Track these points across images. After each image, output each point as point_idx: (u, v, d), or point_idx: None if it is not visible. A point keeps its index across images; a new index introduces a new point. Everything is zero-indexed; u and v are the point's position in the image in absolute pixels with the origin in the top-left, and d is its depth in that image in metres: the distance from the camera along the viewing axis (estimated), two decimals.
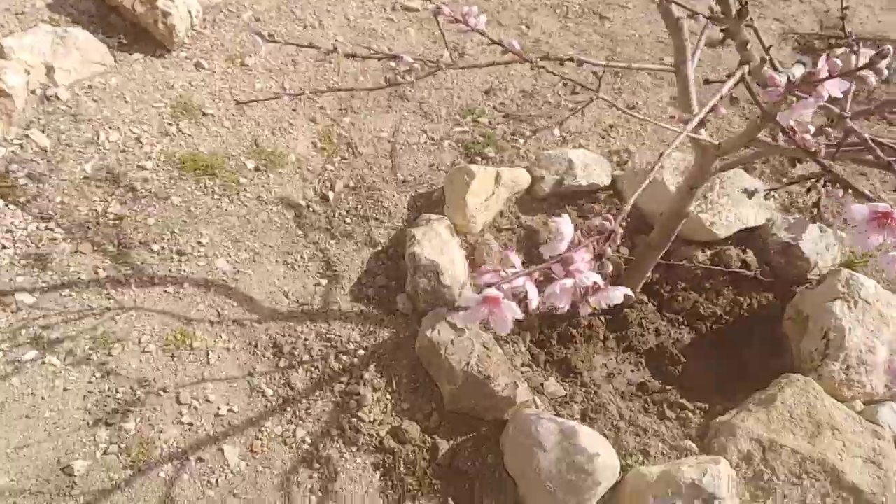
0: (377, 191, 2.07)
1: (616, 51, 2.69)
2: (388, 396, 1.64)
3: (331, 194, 2.05)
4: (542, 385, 1.72)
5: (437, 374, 1.66)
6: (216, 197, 1.97)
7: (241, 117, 2.19)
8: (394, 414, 1.62)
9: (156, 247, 1.83)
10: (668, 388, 1.79)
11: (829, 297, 1.73)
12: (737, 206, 1.99)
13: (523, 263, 0.76)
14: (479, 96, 2.42)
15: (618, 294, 0.76)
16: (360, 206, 2.03)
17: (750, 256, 1.96)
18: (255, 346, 1.70)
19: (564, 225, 0.72)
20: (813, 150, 0.91)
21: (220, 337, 1.70)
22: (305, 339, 1.72)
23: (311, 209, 2.01)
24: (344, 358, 1.69)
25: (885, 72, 0.79)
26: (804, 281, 1.93)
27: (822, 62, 0.77)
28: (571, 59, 1.40)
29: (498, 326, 0.71)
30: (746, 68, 1.10)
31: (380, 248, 1.94)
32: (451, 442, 1.58)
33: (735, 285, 1.95)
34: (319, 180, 2.09)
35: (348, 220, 2.00)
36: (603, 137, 2.32)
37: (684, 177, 1.59)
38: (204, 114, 2.16)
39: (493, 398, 1.59)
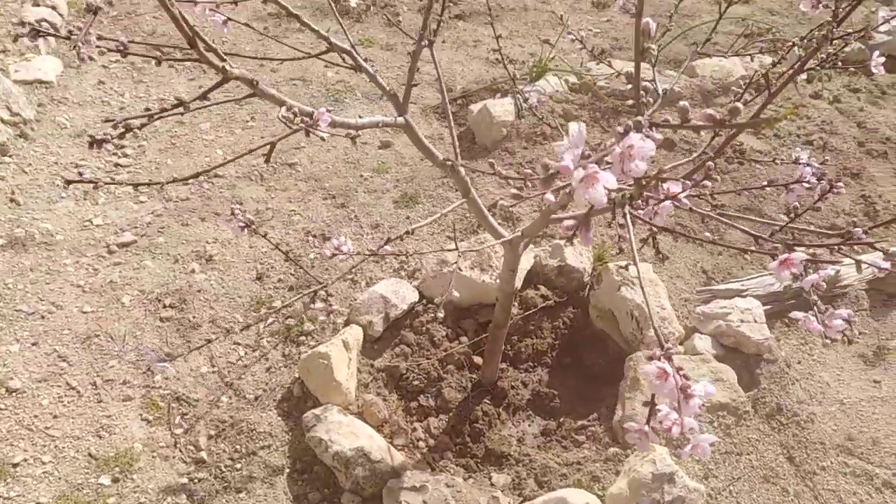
0: (241, 422, 2.06)
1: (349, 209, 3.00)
2: None
3: (203, 454, 1.99)
4: (491, 484, 1.96)
5: None
6: None
7: (56, 453, 1.97)
8: None
9: None
10: (560, 420, 2.18)
11: (614, 287, 2.28)
12: None
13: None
14: (254, 286, 2.51)
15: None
16: (238, 447, 2.01)
17: (542, 290, 2.45)
18: None
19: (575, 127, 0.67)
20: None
21: None
22: None
23: (196, 480, 1.93)
24: None
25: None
26: (584, 287, 2.48)
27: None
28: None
29: (596, 200, 0.67)
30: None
31: (288, 471, 1.96)
32: None
33: (546, 316, 2.41)
34: (181, 449, 2.01)
35: (238, 465, 1.97)
36: (378, 263, 2.61)
37: (503, 264, 1.97)
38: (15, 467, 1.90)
39: None
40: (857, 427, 2.01)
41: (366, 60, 1.59)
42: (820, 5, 1.32)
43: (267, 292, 2.50)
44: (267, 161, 1.30)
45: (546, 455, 2.05)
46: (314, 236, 2.76)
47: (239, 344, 2.31)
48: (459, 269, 2.32)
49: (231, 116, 3.44)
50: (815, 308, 1.12)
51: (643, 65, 1.21)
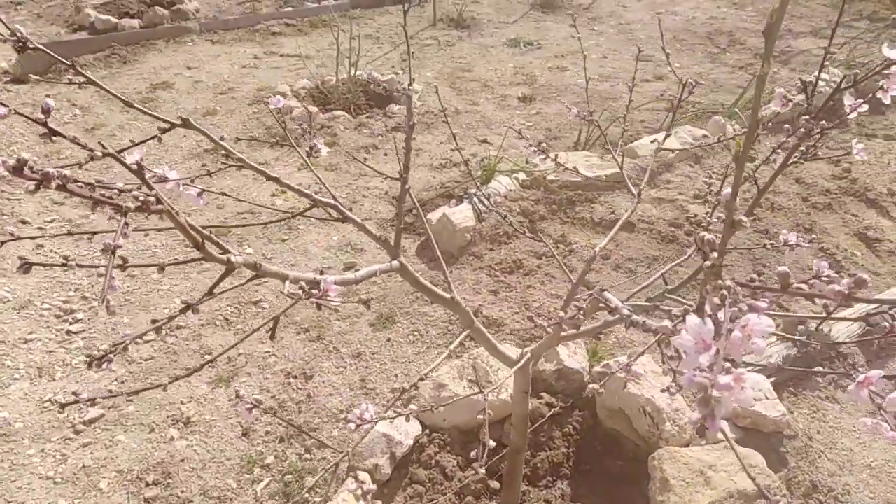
0: None
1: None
2: None
3: None
4: None
5: None
6: None
7: None
8: None
9: None
10: None
11: (620, 385, 2.23)
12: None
13: None
14: (241, 443, 2.34)
15: None
16: None
17: (546, 398, 2.37)
18: None
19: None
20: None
21: None
22: None
23: None
24: None
25: None
26: (584, 387, 2.42)
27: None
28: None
29: (747, 402, 0.68)
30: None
31: None
32: None
33: (555, 424, 2.33)
34: None
35: None
36: (372, 397, 2.49)
37: (514, 386, 1.89)
38: None
39: None
40: (892, 489, 1.98)
41: (315, 185, 1.54)
42: (790, 103, 1.37)
43: (256, 449, 2.32)
44: (272, 338, 1.21)
45: None
46: (294, 377, 2.62)
47: None
48: (456, 393, 2.23)
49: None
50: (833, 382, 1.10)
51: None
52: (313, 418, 2.42)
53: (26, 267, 0.92)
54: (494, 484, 2.19)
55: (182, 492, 2.17)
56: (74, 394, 1.05)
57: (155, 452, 2.31)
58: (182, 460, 2.28)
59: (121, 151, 0.99)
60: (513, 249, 3.18)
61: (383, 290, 3.08)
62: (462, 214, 3.19)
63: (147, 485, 2.20)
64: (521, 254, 3.12)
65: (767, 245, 2.31)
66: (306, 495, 2.14)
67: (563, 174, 3.45)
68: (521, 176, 3.50)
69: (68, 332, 2.86)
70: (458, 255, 3.20)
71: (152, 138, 1.19)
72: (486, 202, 3.30)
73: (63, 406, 1.02)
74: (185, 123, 1.22)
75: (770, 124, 3.63)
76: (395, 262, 1.58)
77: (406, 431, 2.21)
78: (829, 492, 1.95)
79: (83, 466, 2.26)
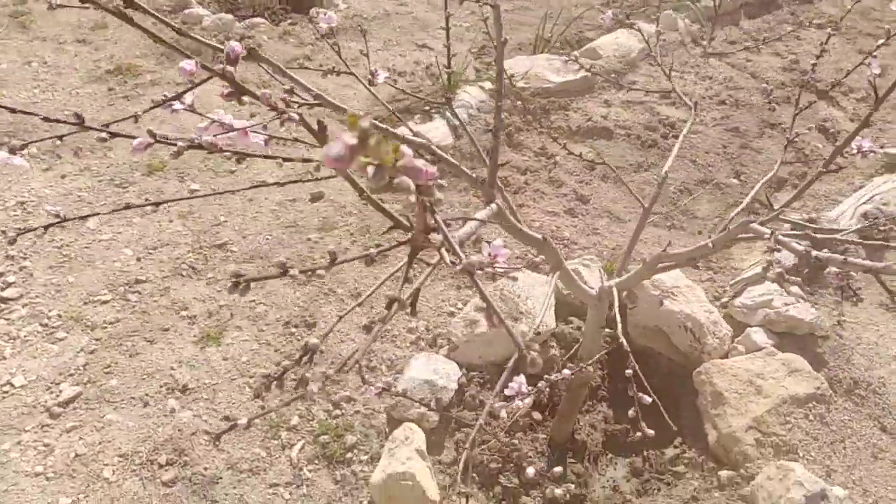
0: None
1: None
2: None
3: None
4: None
5: None
6: None
7: None
8: None
9: None
10: (645, 455, 2.06)
11: (654, 302, 2.18)
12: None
13: None
14: (255, 405, 2.11)
15: None
16: None
17: (576, 321, 2.29)
18: None
19: None
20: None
21: None
22: None
23: None
24: None
25: None
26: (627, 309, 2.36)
27: None
28: None
29: None
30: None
31: None
32: None
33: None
34: None
35: None
36: (392, 341, 2.31)
37: (589, 322, 1.78)
38: None
39: None
40: None
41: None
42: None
43: (276, 410, 2.10)
44: (412, 313, 1.01)
45: (655, 499, 1.92)
46: (295, 326, 2.38)
47: (278, 485, 1.92)
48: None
49: (120, 204, 2.88)
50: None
51: None
52: (330, 369, 2.22)
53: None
54: (536, 415, 2.12)
55: (205, 468, 1.94)
56: None
57: (159, 429, 2.04)
58: (193, 433, 2.03)
59: None
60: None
61: (362, 220, 2.84)
62: (439, 132, 2.95)
63: (160, 466, 1.95)
64: (505, 171, 2.95)
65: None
66: (349, 455, 1.97)
67: (533, 81, 3.26)
68: (488, 85, 3.28)
69: (4, 300, 2.43)
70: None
71: None
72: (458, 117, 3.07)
73: None
74: None
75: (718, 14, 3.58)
76: (492, 206, 1.38)
77: (447, 374, 2.06)
78: (867, 386, 2.03)
79: (76, 455, 1.96)
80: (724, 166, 3.07)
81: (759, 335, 2.12)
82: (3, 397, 2.11)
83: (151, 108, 0.88)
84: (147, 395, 2.13)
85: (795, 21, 4.24)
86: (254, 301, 2.48)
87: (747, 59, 3.73)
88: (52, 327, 2.34)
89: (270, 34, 4.07)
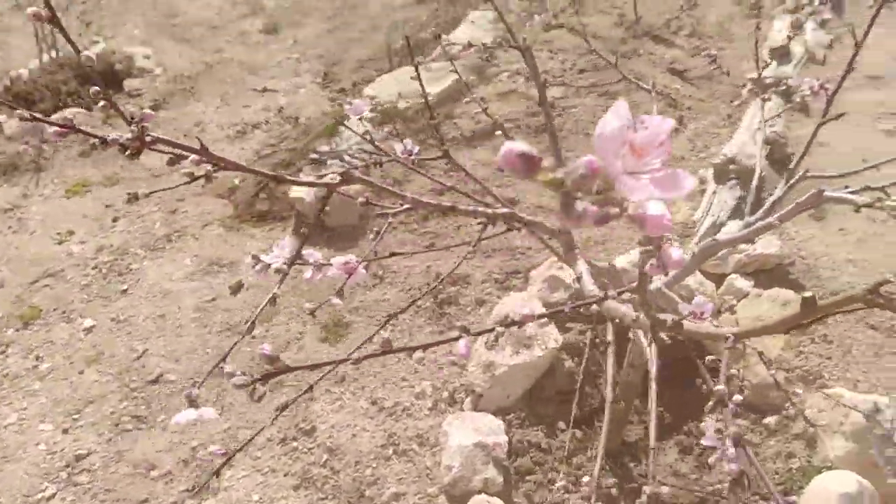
0: None
1: None
2: None
3: None
4: None
5: None
6: None
7: None
8: None
9: None
10: None
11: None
12: None
13: None
14: None
15: None
16: None
17: (576, 326, 2.27)
18: None
19: None
20: None
21: None
22: None
23: None
24: None
25: None
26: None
27: None
28: None
29: None
30: None
31: None
32: None
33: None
34: None
35: None
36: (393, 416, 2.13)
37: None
38: None
39: None
40: (873, 274, 2.32)
41: None
42: None
43: None
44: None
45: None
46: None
47: None
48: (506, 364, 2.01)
49: (5, 372, 2.39)
50: None
51: None
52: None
53: None
54: (579, 433, 2.08)
55: None
56: None
57: None
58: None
59: None
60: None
61: (299, 294, 2.60)
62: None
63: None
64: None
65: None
66: None
67: (413, 98, 3.16)
68: (368, 115, 3.11)
69: None
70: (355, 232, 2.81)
71: None
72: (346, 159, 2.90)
73: None
74: None
75: None
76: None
77: (490, 429, 1.94)
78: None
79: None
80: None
81: (739, 281, 2.23)
82: None
83: None
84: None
85: None
86: (230, 428, 2.18)
87: (581, 23, 3.89)
88: None
89: (93, 122, 3.57)
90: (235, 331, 2.48)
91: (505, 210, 1.12)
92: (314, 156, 2.97)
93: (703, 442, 1.13)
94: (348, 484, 1.95)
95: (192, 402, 0.77)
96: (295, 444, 2.09)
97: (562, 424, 2.04)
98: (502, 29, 3.11)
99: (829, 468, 1.82)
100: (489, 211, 1.07)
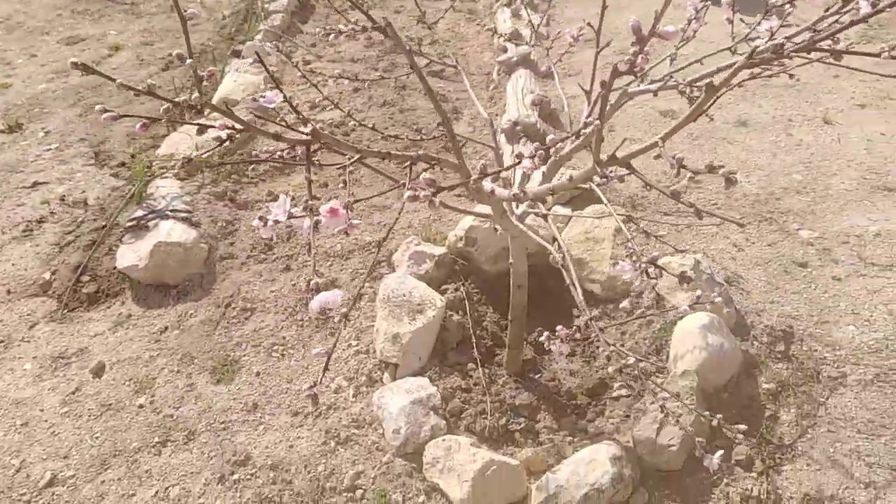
0: None
1: None
2: None
3: None
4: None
5: None
6: None
7: None
8: None
9: None
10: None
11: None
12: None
13: None
14: None
15: None
16: None
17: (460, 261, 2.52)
18: None
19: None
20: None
21: None
22: None
23: None
24: None
25: None
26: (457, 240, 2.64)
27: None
28: None
29: None
30: None
31: None
32: None
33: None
34: None
35: None
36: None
37: (514, 248, 2.04)
38: None
39: None
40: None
41: None
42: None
43: None
44: None
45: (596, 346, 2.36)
46: None
47: None
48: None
49: None
50: None
51: None
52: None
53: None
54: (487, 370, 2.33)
55: None
56: None
57: None
58: None
59: None
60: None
61: (175, 359, 2.52)
62: (181, 235, 2.74)
63: None
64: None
65: None
66: None
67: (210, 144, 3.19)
68: (176, 166, 3.10)
69: None
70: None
71: None
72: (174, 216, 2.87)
73: None
74: None
75: None
76: None
77: (419, 385, 2.12)
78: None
79: None
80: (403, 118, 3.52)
81: (559, 208, 2.68)
82: None
83: None
84: None
85: None
86: None
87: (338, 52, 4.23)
88: None
89: None
90: (116, 407, 2.34)
91: (421, 152, 1.35)
92: (130, 223, 2.88)
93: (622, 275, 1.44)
94: (306, 485, 1.99)
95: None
96: (235, 476, 2.06)
97: (471, 364, 2.29)
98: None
99: (681, 318, 2.29)
100: (412, 153, 1.31)
